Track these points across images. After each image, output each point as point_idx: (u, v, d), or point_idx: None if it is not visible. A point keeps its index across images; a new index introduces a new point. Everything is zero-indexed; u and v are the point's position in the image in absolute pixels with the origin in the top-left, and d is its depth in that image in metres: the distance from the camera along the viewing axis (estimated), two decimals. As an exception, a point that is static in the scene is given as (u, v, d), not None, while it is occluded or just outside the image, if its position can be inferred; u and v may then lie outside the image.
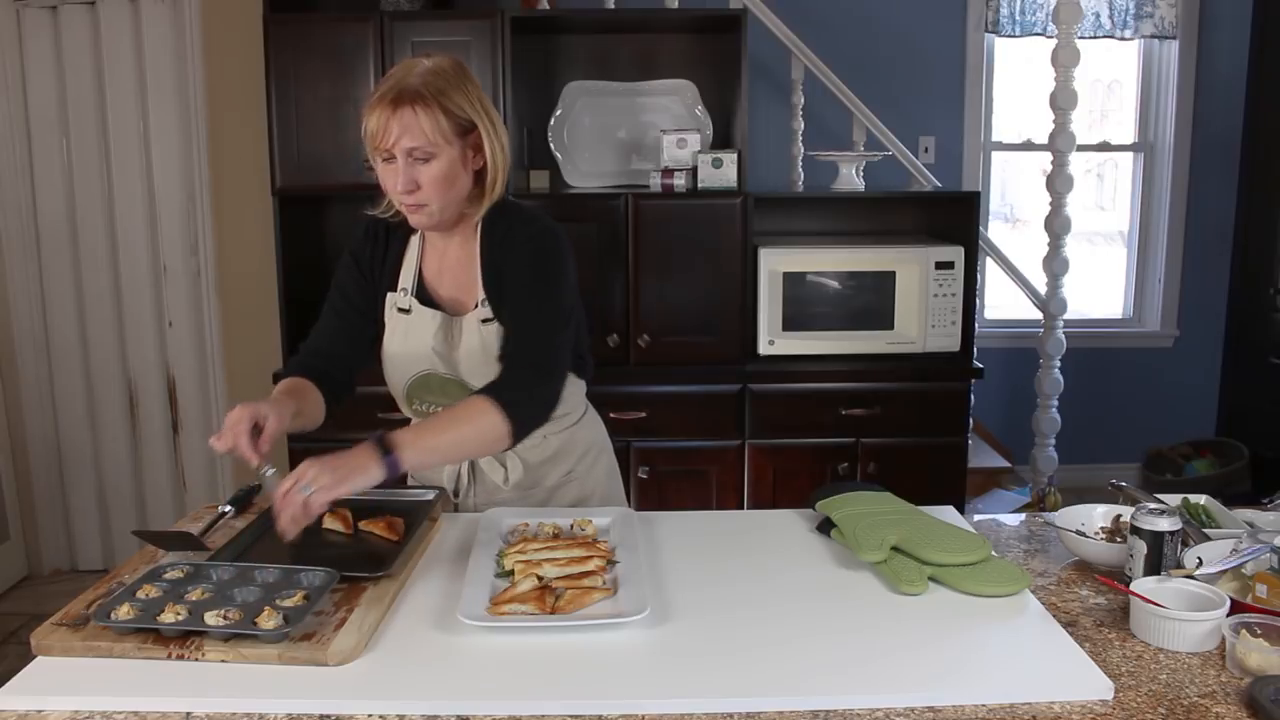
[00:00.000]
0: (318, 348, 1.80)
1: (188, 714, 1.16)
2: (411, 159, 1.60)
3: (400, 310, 1.77)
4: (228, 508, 1.79)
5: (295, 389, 1.69)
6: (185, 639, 1.27)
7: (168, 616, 1.28)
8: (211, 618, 1.28)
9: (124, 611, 1.30)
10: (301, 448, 3.20)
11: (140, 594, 1.35)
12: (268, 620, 1.28)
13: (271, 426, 1.51)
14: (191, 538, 1.63)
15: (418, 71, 1.61)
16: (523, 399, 1.60)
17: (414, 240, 1.78)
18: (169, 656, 1.25)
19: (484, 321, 1.72)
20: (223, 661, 1.25)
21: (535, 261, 1.69)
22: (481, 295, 1.73)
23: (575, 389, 1.89)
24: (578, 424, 1.91)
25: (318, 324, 1.82)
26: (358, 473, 1.43)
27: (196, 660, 1.25)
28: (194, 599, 1.34)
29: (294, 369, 1.76)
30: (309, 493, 1.39)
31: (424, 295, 1.77)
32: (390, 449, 1.46)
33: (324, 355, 1.78)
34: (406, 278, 1.77)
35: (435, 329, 1.74)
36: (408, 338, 1.76)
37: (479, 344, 1.72)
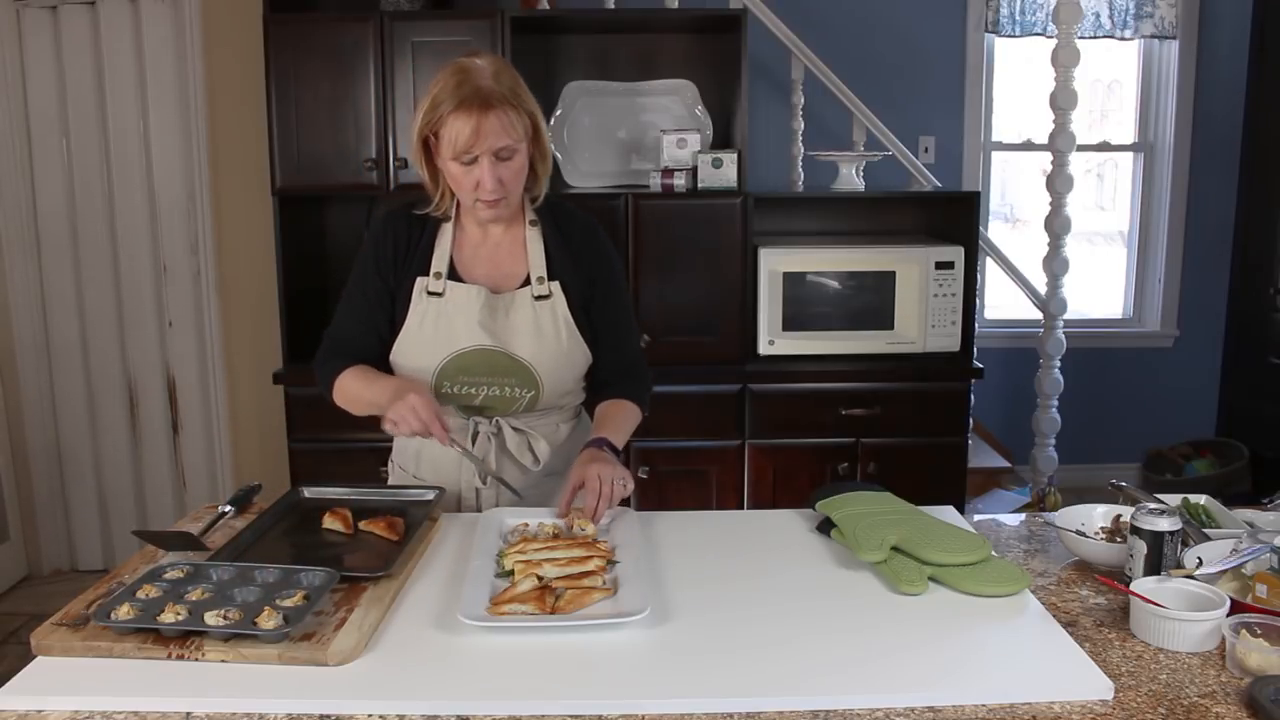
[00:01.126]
0: (349, 338, 1.86)
1: (188, 714, 1.16)
2: (497, 159, 1.69)
3: (431, 294, 1.80)
4: (228, 508, 1.79)
5: (366, 371, 1.82)
6: (185, 639, 1.27)
7: (168, 616, 1.28)
8: (211, 618, 1.28)
9: (124, 611, 1.30)
10: (302, 449, 3.21)
11: (140, 594, 1.35)
12: (268, 620, 1.28)
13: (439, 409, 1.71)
14: (191, 538, 1.63)
15: (484, 74, 1.67)
16: (644, 389, 1.95)
17: (446, 228, 1.84)
18: (169, 656, 1.25)
19: (538, 298, 1.81)
20: (223, 661, 1.25)
21: (621, 272, 1.94)
22: (539, 274, 1.82)
23: (582, 389, 1.97)
24: (579, 418, 2.00)
25: (339, 319, 1.89)
26: (621, 466, 1.73)
27: (196, 660, 1.25)
28: (194, 599, 1.34)
29: (339, 364, 1.84)
30: (623, 479, 1.68)
31: (456, 278, 1.82)
32: (615, 450, 1.77)
33: (358, 346, 1.85)
34: (440, 262, 1.82)
35: (480, 303, 1.78)
36: (442, 318, 1.79)
37: (531, 318, 1.80)
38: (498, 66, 1.70)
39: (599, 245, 1.90)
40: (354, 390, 1.82)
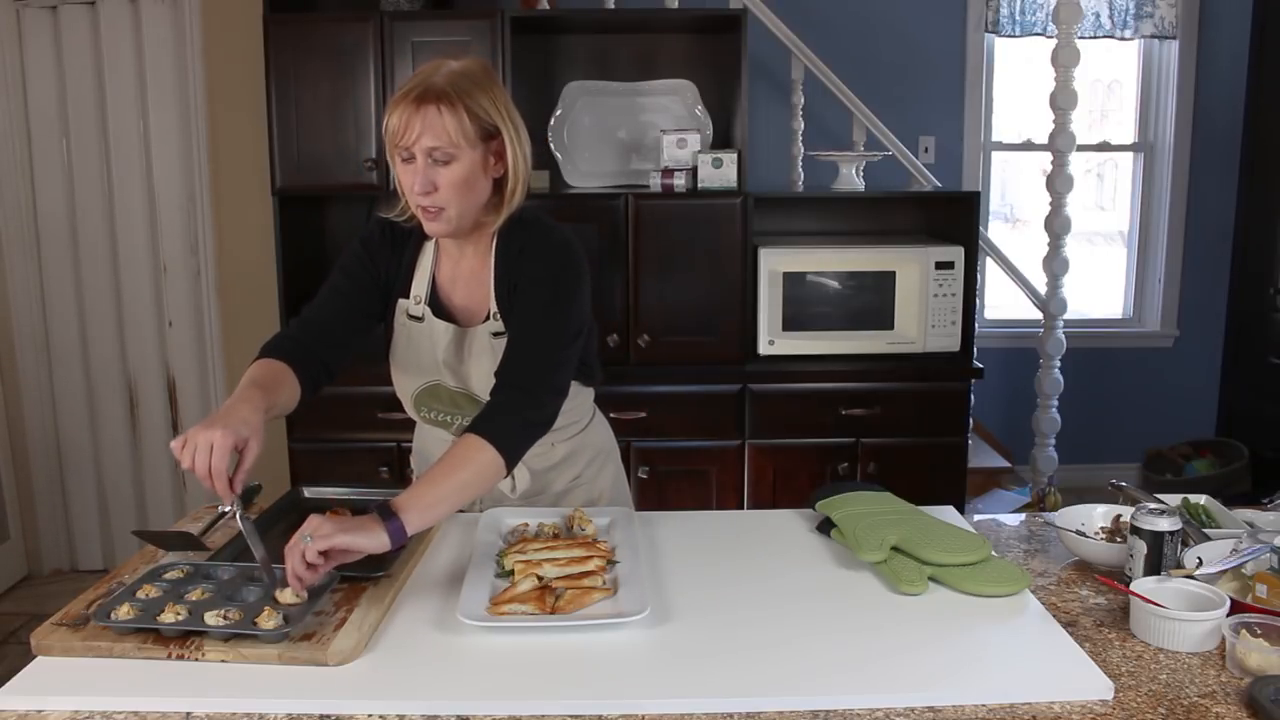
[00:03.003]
0: (311, 319, 1.70)
1: (188, 714, 1.16)
2: (431, 159, 1.56)
3: (411, 317, 1.75)
4: (228, 508, 1.79)
5: (269, 379, 1.57)
6: (185, 639, 1.27)
7: (168, 616, 1.29)
8: (211, 618, 1.28)
9: (124, 611, 1.30)
10: (302, 449, 3.21)
11: (140, 594, 1.35)
12: (268, 620, 1.28)
13: (252, 454, 1.40)
14: (191, 538, 1.63)
15: (444, 71, 1.57)
16: (513, 426, 1.54)
17: (428, 246, 1.75)
18: (169, 656, 1.25)
19: (495, 335, 1.70)
20: (223, 661, 1.25)
21: (547, 281, 1.65)
22: (494, 308, 1.70)
23: (583, 397, 1.88)
24: (584, 430, 1.91)
25: (313, 301, 1.74)
26: (361, 533, 1.36)
27: (196, 660, 1.25)
28: (194, 599, 1.34)
29: (275, 350, 1.63)
30: (308, 541, 1.33)
31: (437, 303, 1.74)
32: (393, 514, 1.39)
33: (315, 330, 1.69)
34: (420, 285, 1.74)
35: (447, 341, 1.71)
36: (417, 347, 1.74)
37: (490, 357, 1.69)
38: (467, 70, 1.58)
39: (537, 257, 1.67)
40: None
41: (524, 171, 1.64)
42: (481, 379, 1.70)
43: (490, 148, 1.60)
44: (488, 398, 1.60)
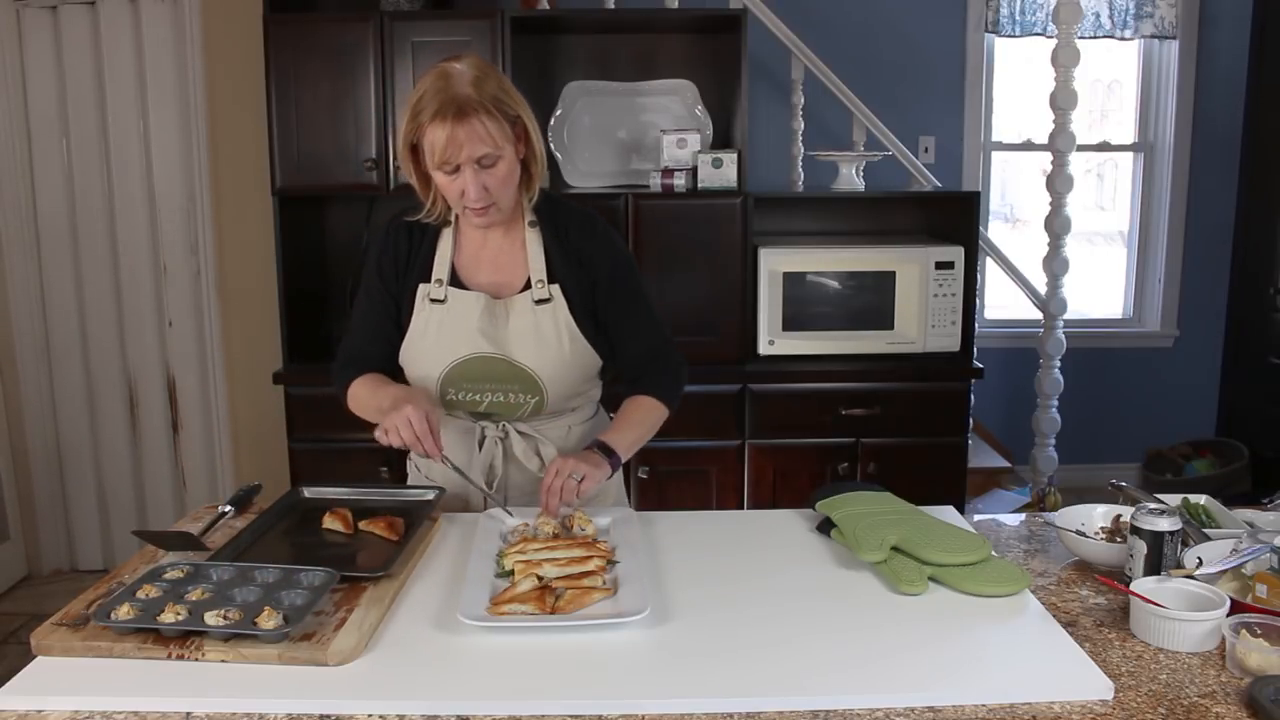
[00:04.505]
0: (362, 351, 1.86)
1: (188, 714, 1.16)
2: (480, 167, 1.65)
3: (434, 300, 1.79)
4: (228, 508, 1.79)
5: (383, 380, 1.81)
6: (185, 639, 1.27)
7: (168, 616, 1.28)
8: (211, 618, 1.28)
9: (124, 611, 1.30)
10: (302, 449, 3.21)
11: (140, 594, 1.35)
12: (268, 620, 1.28)
13: (438, 420, 1.68)
14: (191, 538, 1.63)
15: (463, 80, 1.63)
16: (669, 381, 1.89)
17: (446, 233, 1.82)
18: (169, 656, 1.25)
19: (539, 302, 1.78)
20: (223, 661, 1.25)
21: (627, 261, 1.87)
22: (539, 277, 1.79)
23: (598, 388, 1.98)
24: (594, 418, 1.98)
25: (351, 331, 1.89)
26: (600, 467, 1.69)
27: (196, 660, 1.25)
28: (194, 599, 1.34)
29: (352, 373, 1.85)
30: (579, 478, 1.62)
31: (458, 284, 1.81)
32: (611, 450, 1.73)
33: (369, 357, 1.85)
34: (441, 269, 1.80)
35: (480, 310, 1.77)
36: (444, 325, 1.79)
37: (531, 323, 1.78)
38: (479, 71, 1.66)
39: (599, 240, 1.83)
40: (363, 398, 1.82)
41: (541, 147, 1.76)
42: (522, 344, 1.77)
43: (517, 135, 1.71)
44: (526, 364, 1.77)
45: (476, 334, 1.76)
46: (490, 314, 1.77)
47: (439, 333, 1.79)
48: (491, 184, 1.67)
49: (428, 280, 1.80)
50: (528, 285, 1.79)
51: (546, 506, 1.62)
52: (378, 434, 1.67)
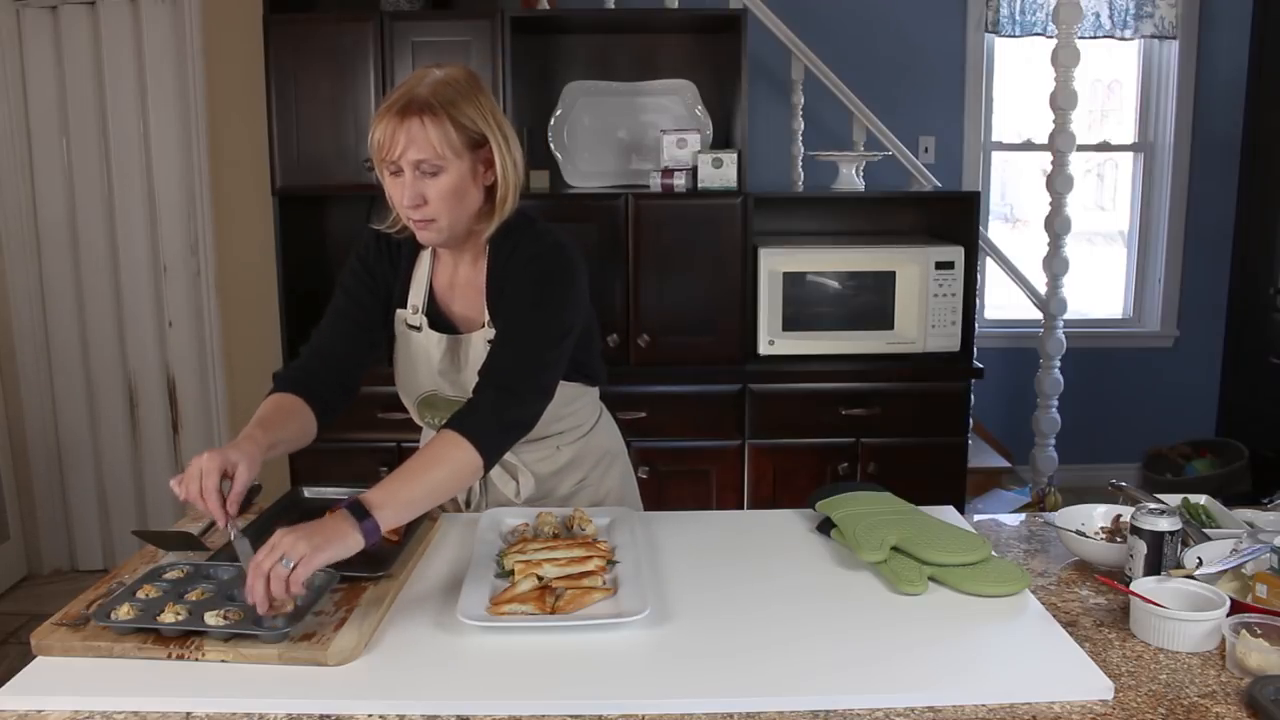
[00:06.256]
0: (319, 347, 1.73)
1: (188, 714, 1.16)
2: (419, 172, 1.55)
3: (410, 327, 1.75)
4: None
5: (276, 415, 1.60)
6: (185, 639, 1.27)
7: (168, 616, 1.28)
8: (211, 618, 1.28)
9: (124, 611, 1.30)
10: (302, 449, 3.20)
11: (140, 594, 1.35)
12: (268, 620, 1.27)
13: (241, 479, 1.41)
14: (191, 538, 1.63)
15: (428, 81, 1.55)
16: (491, 426, 1.52)
17: (424, 256, 1.74)
18: (169, 656, 1.25)
19: (489, 342, 1.67)
20: (223, 661, 1.25)
21: (534, 280, 1.63)
22: (486, 315, 1.69)
23: (588, 398, 1.88)
24: (590, 432, 1.90)
25: (320, 325, 1.76)
26: (336, 541, 1.32)
27: (196, 660, 1.25)
28: (194, 599, 1.34)
29: (285, 381, 1.67)
30: (290, 566, 1.26)
31: (435, 312, 1.74)
32: (366, 512, 1.36)
33: (324, 356, 1.71)
34: (417, 295, 1.74)
35: (441, 353, 1.71)
36: (414, 357, 1.74)
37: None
38: (451, 77, 1.56)
39: (525, 263, 1.64)
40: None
41: (514, 178, 1.62)
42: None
43: (479, 156, 1.59)
44: None
45: (437, 375, 1.73)
46: (450, 355, 1.71)
47: (410, 361, 1.76)
48: (430, 194, 1.55)
49: (404, 305, 1.74)
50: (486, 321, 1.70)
51: (251, 590, 1.28)
52: (172, 483, 1.42)
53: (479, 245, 1.69)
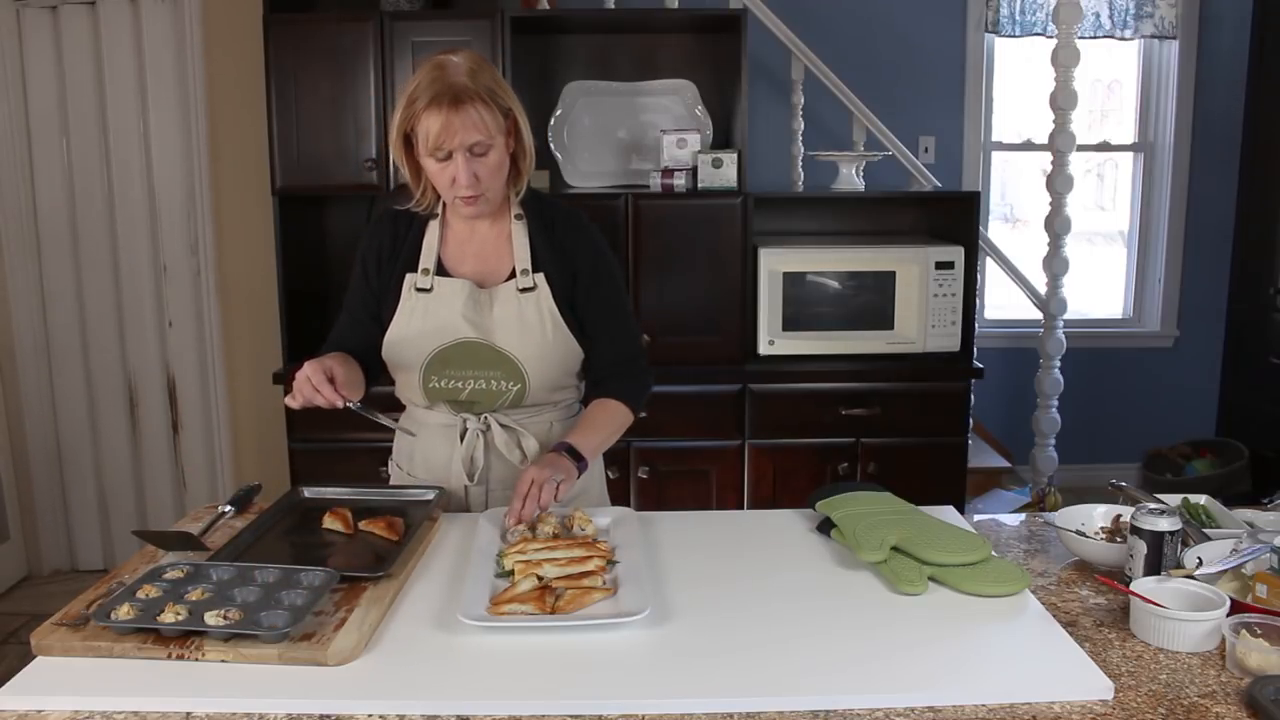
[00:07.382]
0: (341, 337, 1.90)
1: (188, 714, 1.16)
2: (472, 154, 1.69)
3: (419, 290, 1.82)
4: (228, 508, 1.79)
5: (343, 357, 1.79)
6: (185, 639, 1.27)
7: (168, 616, 1.28)
8: (211, 618, 1.28)
9: (124, 611, 1.30)
10: (302, 449, 3.21)
11: (140, 594, 1.35)
12: (268, 620, 1.27)
13: (340, 374, 1.67)
14: (191, 538, 1.63)
15: (459, 70, 1.67)
16: (637, 389, 1.90)
17: (433, 225, 1.85)
18: (169, 656, 1.25)
19: (523, 290, 1.81)
20: (223, 661, 1.25)
21: (610, 261, 1.89)
22: (524, 266, 1.82)
23: (576, 387, 1.96)
24: (575, 416, 1.97)
25: (336, 327, 1.93)
26: (570, 474, 1.71)
27: (196, 660, 1.25)
28: (194, 599, 1.34)
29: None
30: (560, 479, 1.66)
31: (444, 274, 1.84)
32: (578, 455, 1.75)
33: (345, 344, 1.88)
34: (428, 259, 1.84)
35: (465, 297, 1.80)
36: (430, 313, 1.81)
37: (515, 310, 1.80)
38: (474, 63, 1.70)
39: (582, 236, 1.87)
40: None
41: (530, 143, 1.79)
42: (505, 331, 1.80)
43: (507, 128, 1.74)
44: (509, 349, 1.79)
45: (460, 319, 1.79)
46: (475, 301, 1.80)
47: (424, 320, 1.81)
48: (482, 173, 1.71)
49: (414, 270, 1.83)
50: (512, 275, 1.83)
51: (521, 513, 1.61)
52: (286, 399, 1.71)
53: (503, 209, 1.84)
